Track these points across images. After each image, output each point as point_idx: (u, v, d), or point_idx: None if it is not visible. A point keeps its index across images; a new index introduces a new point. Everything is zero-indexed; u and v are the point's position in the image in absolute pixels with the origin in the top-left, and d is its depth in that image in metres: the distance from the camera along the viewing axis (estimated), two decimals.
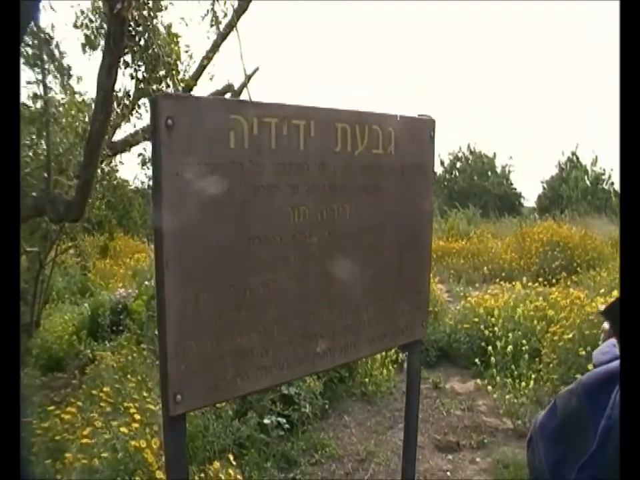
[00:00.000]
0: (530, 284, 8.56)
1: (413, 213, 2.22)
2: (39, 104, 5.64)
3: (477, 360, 6.65)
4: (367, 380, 6.27)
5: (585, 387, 1.22)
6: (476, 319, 7.36)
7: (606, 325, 1.68)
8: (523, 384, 5.70)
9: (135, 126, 6.18)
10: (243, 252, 1.65)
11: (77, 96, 6.54)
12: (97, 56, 6.01)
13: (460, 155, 29.93)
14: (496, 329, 6.88)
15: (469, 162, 29.85)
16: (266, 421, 4.81)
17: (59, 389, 6.25)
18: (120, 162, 7.20)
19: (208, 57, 6.44)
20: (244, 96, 6.84)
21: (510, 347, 6.34)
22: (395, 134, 2.07)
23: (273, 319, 1.76)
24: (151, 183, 6.34)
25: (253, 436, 4.66)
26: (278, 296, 1.76)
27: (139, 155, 6.09)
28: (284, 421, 4.95)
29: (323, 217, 1.88)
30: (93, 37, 5.97)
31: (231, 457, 3.92)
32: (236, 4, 6.39)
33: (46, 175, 4.99)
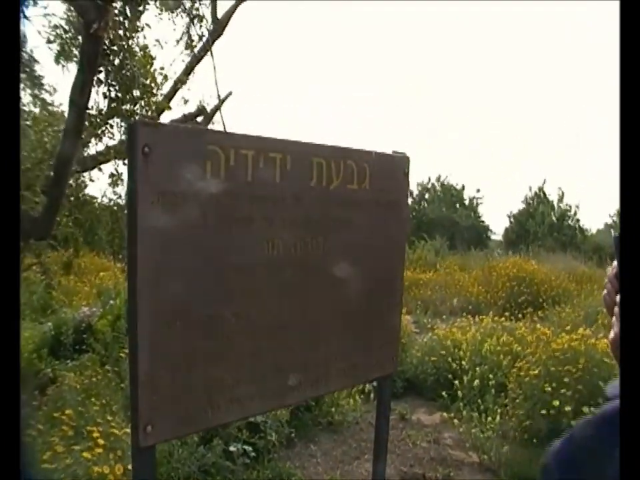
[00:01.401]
0: (497, 318, 8.63)
1: (386, 247, 2.23)
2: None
3: (443, 392, 6.65)
4: (333, 409, 6.23)
5: (604, 417, 1.22)
6: (443, 352, 7.38)
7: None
8: (489, 418, 5.71)
9: (106, 145, 6.13)
10: (216, 282, 1.64)
11: (48, 108, 6.45)
12: (70, 67, 5.98)
13: (429, 185, 30.24)
14: (463, 362, 6.91)
15: (438, 193, 30.17)
16: (232, 448, 4.74)
17: None
18: (90, 179, 7.12)
19: (182, 80, 6.45)
20: (217, 119, 6.85)
21: (477, 381, 6.36)
22: (369, 170, 2.09)
23: (245, 351, 1.74)
24: (120, 200, 6.28)
25: (218, 463, 4.58)
26: (250, 328, 1.75)
27: (111, 175, 6.03)
28: (250, 448, 4.87)
29: (297, 249, 1.88)
30: (66, 48, 5.92)
31: None
32: (211, 27, 6.44)
33: None
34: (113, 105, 4.60)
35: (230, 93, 6.97)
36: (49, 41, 5.72)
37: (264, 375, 1.82)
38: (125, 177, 6.15)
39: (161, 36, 5.49)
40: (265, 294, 1.79)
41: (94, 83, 3.88)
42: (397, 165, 2.25)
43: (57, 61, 5.84)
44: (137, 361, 1.47)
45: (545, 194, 27.52)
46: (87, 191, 7.29)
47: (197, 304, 1.60)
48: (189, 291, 1.57)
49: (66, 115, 6.04)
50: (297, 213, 1.87)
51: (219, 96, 6.44)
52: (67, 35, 5.92)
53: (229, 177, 1.64)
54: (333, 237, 1.99)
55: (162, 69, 5.30)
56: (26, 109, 6.03)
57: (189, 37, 5.48)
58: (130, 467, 3.51)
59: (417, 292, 13.08)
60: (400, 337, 2.42)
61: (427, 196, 30.06)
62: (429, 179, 30.20)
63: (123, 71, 4.13)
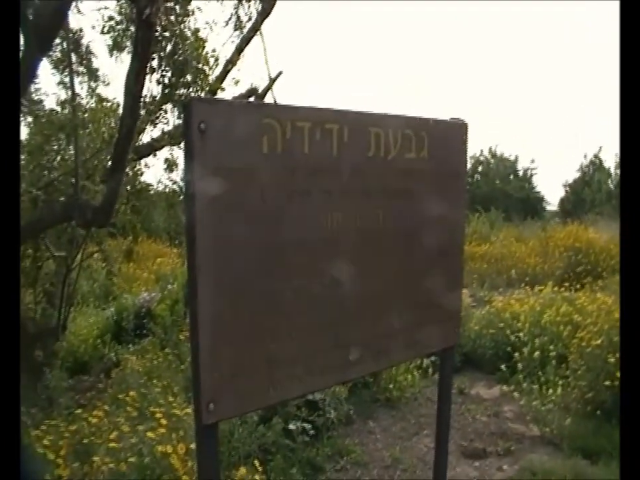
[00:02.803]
0: (555, 289, 8.45)
1: (446, 218, 2.19)
2: (68, 109, 5.70)
3: (502, 365, 6.58)
4: (391, 386, 6.23)
5: None
6: (501, 324, 7.28)
7: None
8: (550, 390, 5.62)
9: (162, 130, 6.22)
10: (276, 258, 1.63)
11: (104, 99, 6.60)
12: (124, 58, 6.09)
13: (482, 158, 29.72)
14: (522, 334, 6.80)
15: (490, 165, 29.64)
16: (291, 426, 4.80)
17: (84, 392, 6.29)
18: (145, 166, 7.25)
19: (232, 61, 6.46)
20: (268, 99, 6.84)
21: (536, 353, 6.26)
22: (428, 138, 2.04)
23: (306, 326, 1.73)
24: (176, 186, 6.40)
25: (278, 441, 4.65)
26: (310, 302, 1.74)
27: (165, 160, 6.13)
28: (309, 426, 4.93)
29: (356, 222, 1.85)
30: (119, 40, 6.03)
31: (257, 463, 3.92)
32: (260, 7, 6.41)
33: (73, 180, 5.03)
34: (166, 91, 4.66)
35: (280, 73, 6.94)
36: (102, 32, 5.83)
37: (325, 349, 1.80)
38: (180, 162, 6.26)
39: (210, 18, 5.52)
40: (325, 268, 1.77)
41: (147, 70, 3.93)
42: (455, 132, 2.19)
43: (111, 52, 5.96)
44: (198, 339, 1.47)
45: (601, 161, 26.72)
46: (142, 178, 7.42)
47: (257, 280, 1.60)
48: (248, 267, 1.57)
49: (121, 105, 6.19)
50: (355, 184, 1.84)
51: (269, 76, 6.44)
52: (120, 27, 6.02)
53: (286, 150, 1.62)
54: (393, 209, 1.96)
55: (214, 51, 5.34)
56: (83, 101, 6.17)
57: (238, 17, 5.48)
58: (192, 446, 3.62)
59: (472, 265, 12.91)
60: (461, 307, 2.38)
61: (479, 168, 29.55)
62: (481, 151, 29.68)
63: (176, 56, 4.18)
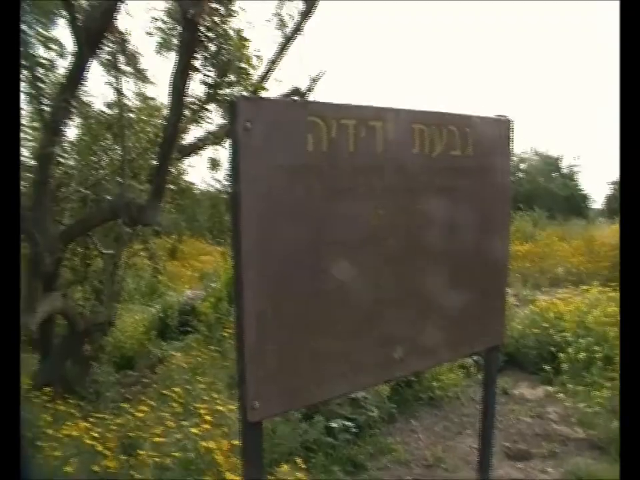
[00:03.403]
0: (601, 288, 8.27)
1: (491, 216, 2.17)
2: (115, 110, 5.82)
3: (546, 366, 6.46)
4: (434, 384, 6.18)
5: None
6: (545, 324, 7.15)
7: None
8: (597, 392, 5.49)
9: (206, 130, 6.30)
10: (321, 255, 1.65)
11: (150, 99, 6.72)
12: (169, 59, 6.20)
13: (525, 156, 29.24)
14: (566, 334, 6.66)
15: (534, 163, 29.15)
16: (333, 424, 4.80)
17: (130, 386, 6.42)
18: (189, 165, 7.35)
19: (274, 61, 6.49)
20: (311, 99, 6.85)
21: (582, 354, 6.13)
22: (472, 135, 2.03)
23: (350, 324, 1.74)
24: (220, 186, 6.47)
25: (320, 439, 4.66)
26: (355, 300, 1.74)
27: (210, 160, 6.21)
28: (351, 424, 4.92)
29: (400, 220, 1.85)
30: (166, 41, 6.14)
31: (299, 460, 3.94)
32: (301, 6, 6.42)
33: (120, 179, 5.14)
34: (210, 91, 4.73)
35: (322, 73, 6.95)
36: (149, 34, 5.96)
37: (370, 348, 1.81)
38: (223, 161, 6.34)
39: (252, 18, 5.56)
40: (370, 266, 1.77)
41: (192, 69, 3.99)
42: (499, 129, 2.17)
43: (157, 52, 6.07)
44: (244, 337, 1.49)
45: None
46: (186, 177, 7.53)
47: (302, 278, 1.61)
48: (293, 265, 1.58)
49: (166, 105, 6.29)
50: (400, 182, 1.84)
51: (311, 76, 6.46)
52: (166, 28, 6.13)
53: (331, 148, 1.63)
54: (437, 206, 1.95)
55: (257, 50, 5.38)
56: (130, 102, 6.30)
57: (280, 17, 5.52)
58: (235, 442, 3.66)
59: (515, 264, 12.69)
60: (506, 306, 2.35)
61: (523, 166, 29.09)
62: (525, 149, 29.21)
63: (219, 56, 4.23)
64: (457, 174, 2.01)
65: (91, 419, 4.39)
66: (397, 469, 4.79)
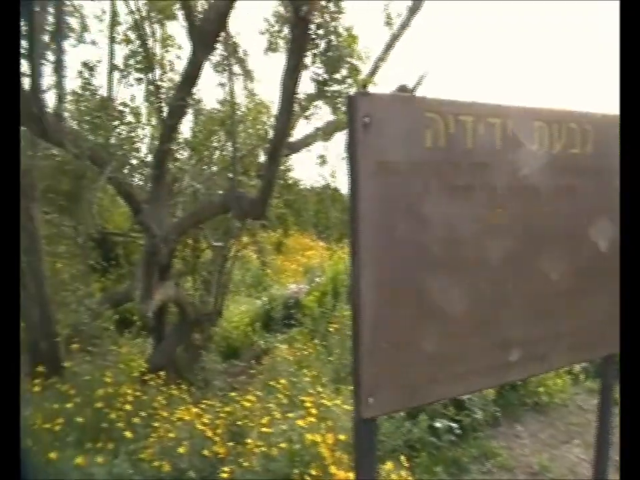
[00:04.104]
0: None
1: (608, 218, 2.04)
2: (226, 108, 6.01)
3: None
4: (540, 389, 5.96)
5: None
6: None
7: None
8: None
9: (314, 127, 6.38)
10: (439, 254, 1.61)
11: (258, 97, 6.89)
12: (277, 59, 6.32)
13: None
14: None
15: None
16: (437, 424, 4.75)
17: (236, 376, 6.62)
18: (296, 161, 7.46)
19: (382, 58, 6.46)
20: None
21: None
22: (593, 133, 1.92)
23: (468, 325, 1.70)
24: (326, 182, 6.53)
25: (423, 438, 4.62)
26: (472, 300, 1.70)
27: (320, 156, 6.29)
28: (455, 425, 4.85)
29: (519, 219, 1.79)
30: (273, 40, 6.27)
31: (403, 459, 3.91)
32: (410, 3, 6.35)
33: (231, 175, 5.30)
34: (319, 88, 4.78)
35: (427, 71, 6.85)
36: (261, 33, 6.11)
37: (485, 349, 1.76)
38: (330, 157, 6.39)
39: (360, 15, 5.58)
40: (487, 265, 1.72)
41: (302, 67, 4.05)
42: (614, 127, 2.03)
43: (268, 51, 6.22)
44: (360, 333, 1.48)
45: None
46: (293, 173, 7.66)
47: (419, 276, 1.58)
48: (411, 263, 1.56)
49: (274, 103, 6.43)
50: (518, 180, 1.77)
51: (419, 73, 6.37)
52: (274, 28, 6.26)
53: (449, 145, 1.60)
54: (556, 206, 1.87)
55: (367, 47, 5.36)
56: (240, 100, 6.49)
57: (388, 14, 5.48)
58: (340, 436, 3.69)
59: None
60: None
61: None
62: None
63: (329, 53, 4.27)
64: (576, 173, 1.91)
65: (202, 405, 4.56)
66: (500, 475, 4.66)
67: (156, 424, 4.23)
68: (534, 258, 1.84)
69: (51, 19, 5.31)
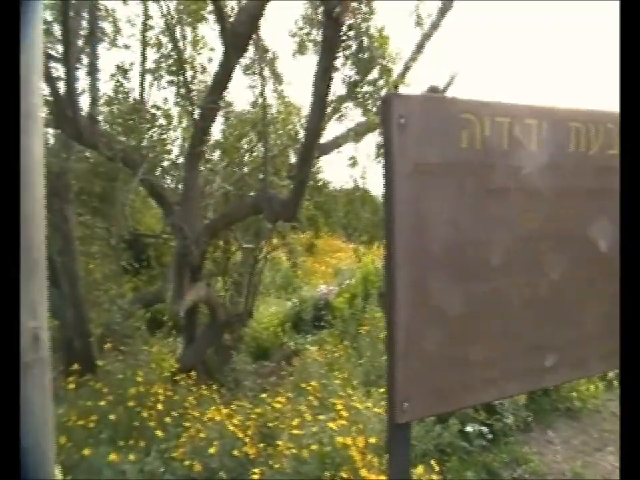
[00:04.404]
0: None
1: None
2: (257, 110, 6.04)
3: None
4: (572, 394, 5.85)
5: None
6: None
7: None
8: None
9: (347, 128, 6.37)
10: (472, 257, 1.59)
11: (288, 100, 6.91)
12: (306, 61, 6.34)
13: None
14: None
15: None
16: (468, 428, 4.69)
17: (266, 377, 6.63)
18: (327, 163, 7.46)
19: (413, 58, 6.43)
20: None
21: None
22: None
23: (501, 329, 1.67)
24: (356, 183, 6.52)
25: (454, 443, 4.56)
26: (506, 305, 1.67)
27: (350, 158, 6.28)
28: (486, 430, 4.78)
29: (554, 222, 1.75)
30: (302, 42, 6.28)
31: (434, 463, 3.88)
32: (440, 3, 6.30)
33: (262, 176, 5.32)
34: (351, 89, 4.78)
35: (458, 72, 6.80)
36: (291, 36, 6.13)
37: (520, 354, 1.73)
38: (360, 159, 6.38)
39: (390, 15, 5.55)
40: (521, 269, 1.69)
41: (334, 69, 4.05)
42: None
43: (298, 53, 6.24)
44: (395, 339, 1.47)
45: None
46: (323, 174, 7.66)
47: (453, 279, 1.56)
48: (445, 266, 1.54)
49: (304, 105, 6.44)
50: (554, 181, 1.74)
51: (449, 75, 6.33)
52: (302, 30, 6.27)
53: (485, 146, 1.57)
54: (593, 209, 1.83)
55: (397, 49, 5.33)
56: (270, 102, 6.51)
57: (418, 14, 5.45)
58: (371, 440, 3.66)
59: None
60: None
61: None
62: None
63: (360, 54, 4.26)
64: (613, 175, 1.87)
65: (232, 406, 4.58)
66: None
67: (187, 423, 4.26)
68: (571, 262, 1.80)
69: (85, 23, 5.40)
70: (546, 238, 1.74)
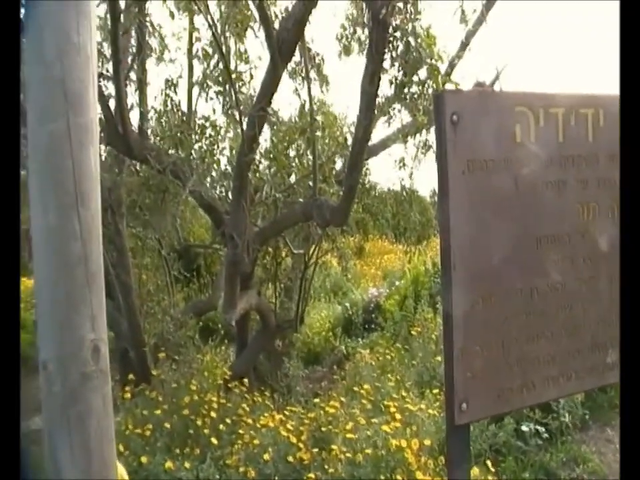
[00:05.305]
0: None
1: None
2: (304, 115, 6.07)
3: None
4: None
5: None
6: None
7: None
8: None
9: (395, 130, 6.35)
10: (530, 252, 1.57)
11: (333, 104, 6.93)
12: (352, 63, 6.34)
13: None
14: None
15: None
16: (524, 428, 4.59)
17: (318, 381, 6.64)
18: (374, 164, 7.43)
19: (458, 56, 6.35)
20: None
21: None
22: None
23: (561, 326, 1.64)
24: (404, 184, 6.47)
25: (509, 442, 4.48)
26: (566, 301, 1.64)
27: (400, 159, 6.25)
28: (542, 429, 4.67)
29: (614, 214, 1.71)
30: (347, 44, 6.29)
31: (489, 464, 3.82)
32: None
33: (311, 182, 5.33)
34: (400, 90, 4.75)
35: (505, 66, 6.69)
36: (337, 39, 6.15)
37: (581, 351, 1.70)
38: (408, 159, 6.34)
39: (435, 13, 5.50)
40: (581, 263, 1.66)
41: (382, 71, 4.03)
42: None
43: (343, 54, 6.26)
44: (452, 338, 1.46)
45: None
46: (371, 176, 7.63)
47: (511, 276, 1.54)
48: (502, 263, 1.52)
49: (350, 108, 6.43)
50: (612, 172, 1.69)
51: (494, 70, 6.22)
52: (346, 31, 6.28)
53: (540, 139, 1.55)
54: None
55: (444, 46, 5.29)
56: (316, 107, 6.52)
57: (462, 11, 5.39)
58: (426, 442, 3.62)
59: None
60: None
61: None
62: None
63: (408, 55, 4.23)
64: None
65: (285, 412, 4.59)
66: None
67: (241, 430, 4.29)
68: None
69: (133, 41, 5.54)
70: (608, 230, 1.70)
